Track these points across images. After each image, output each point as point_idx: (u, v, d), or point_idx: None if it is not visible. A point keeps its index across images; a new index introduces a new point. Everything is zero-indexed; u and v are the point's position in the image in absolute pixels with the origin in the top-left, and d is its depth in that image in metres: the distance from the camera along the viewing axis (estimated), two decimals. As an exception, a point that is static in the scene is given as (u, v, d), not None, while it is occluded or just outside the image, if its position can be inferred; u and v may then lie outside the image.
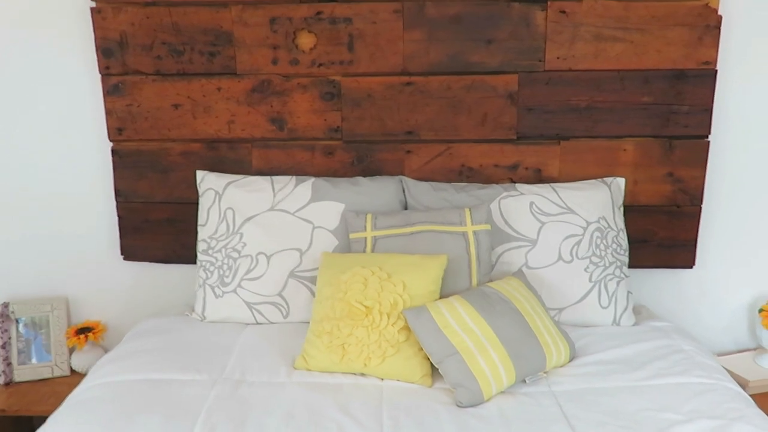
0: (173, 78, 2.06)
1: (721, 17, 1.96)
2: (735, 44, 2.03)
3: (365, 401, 1.56)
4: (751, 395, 2.04)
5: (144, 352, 1.79)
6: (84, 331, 2.21)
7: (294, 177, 2.05)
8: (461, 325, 1.62)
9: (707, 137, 2.06)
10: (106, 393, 1.60)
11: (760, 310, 2.14)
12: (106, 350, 2.17)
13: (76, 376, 2.19)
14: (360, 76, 2.04)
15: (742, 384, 2.07)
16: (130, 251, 2.21)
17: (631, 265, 2.11)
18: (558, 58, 2.01)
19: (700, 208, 2.12)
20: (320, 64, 2.03)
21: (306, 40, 2.02)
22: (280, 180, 2.03)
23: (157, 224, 2.17)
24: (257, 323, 1.97)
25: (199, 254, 2.04)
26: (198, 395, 1.58)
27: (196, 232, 2.07)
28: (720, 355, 2.23)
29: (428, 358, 1.65)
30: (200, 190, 2.07)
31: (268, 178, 2.04)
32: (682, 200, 2.11)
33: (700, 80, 2.01)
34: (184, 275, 2.21)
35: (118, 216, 2.18)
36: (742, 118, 2.10)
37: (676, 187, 2.10)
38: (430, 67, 2.03)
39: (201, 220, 2.05)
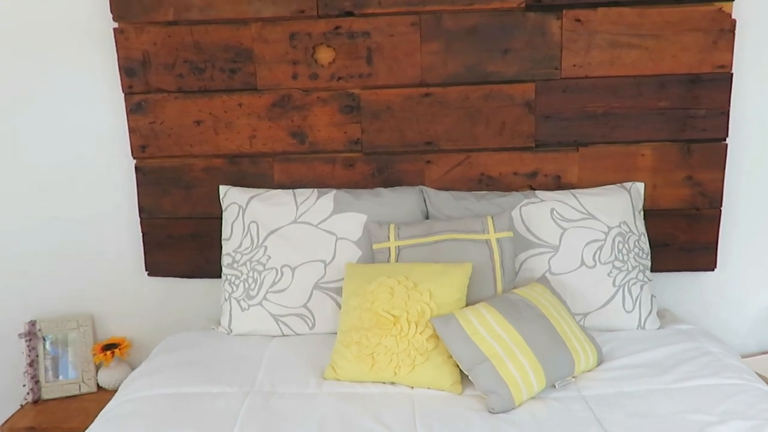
0: (195, 95, 2.09)
1: (735, 21, 1.99)
2: (750, 47, 2.05)
3: (397, 409, 1.57)
4: (777, 397, 2.04)
5: (173, 367, 1.80)
6: (110, 347, 2.23)
7: (316, 189, 2.07)
8: (489, 331, 1.63)
9: (725, 140, 2.08)
10: (139, 408, 1.61)
11: (784, 311, 2.14)
12: (132, 366, 2.19)
13: (103, 393, 2.21)
14: (379, 89, 2.07)
15: (769, 385, 2.06)
16: (154, 267, 2.23)
17: (653, 270, 2.12)
18: (574, 65, 2.04)
19: (720, 210, 2.13)
20: (339, 78, 2.06)
21: (325, 55, 2.05)
22: (302, 193, 2.06)
23: (181, 240, 2.19)
24: (283, 335, 1.98)
25: (224, 268, 2.06)
26: (230, 408, 1.59)
27: (220, 247, 2.09)
28: (744, 357, 2.22)
29: (457, 366, 1.66)
30: (223, 205, 2.10)
31: (291, 191, 2.07)
32: (701, 203, 2.12)
33: (716, 84, 2.03)
34: (208, 290, 2.23)
35: (142, 232, 2.20)
36: (759, 120, 2.12)
37: (695, 190, 2.11)
38: (447, 78, 2.06)
39: (225, 234, 2.07)
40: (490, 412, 1.55)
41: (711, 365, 1.72)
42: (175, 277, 2.24)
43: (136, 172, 2.16)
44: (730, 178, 2.14)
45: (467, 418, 1.52)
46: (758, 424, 1.44)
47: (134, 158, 2.16)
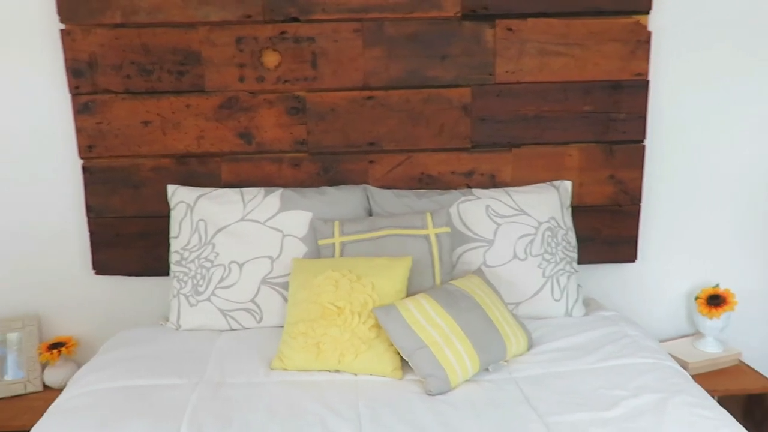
0: (143, 96, 2.13)
1: (650, 33, 2.17)
2: (664, 57, 2.24)
3: (342, 395, 1.67)
4: (691, 376, 2.24)
5: (122, 361, 1.84)
6: (56, 346, 2.24)
7: (263, 188, 2.14)
8: (428, 320, 1.75)
9: (643, 142, 2.26)
10: (89, 401, 1.65)
11: (696, 298, 2.34)
12: (79, 365, 2.20)
13: (49, 392, 2.22)
14: (324, 92, 2.16)
15: (683, 366, 2.25)
16: (102, 266, 2.26)
17: (579, 261, 2.27)
18: (507, 71, 2.18)
19: (640, 207, 2.31)
20: (285, 81, 2.14)
21: (271, 59, 2.13)
22: (249, 191, 2.13)
23: (129, 238, 2.23)
24: (232, 329, 2.05)
25: (172, 265, 2.11)
26: (181, 398, 1.65)
27: (169, 245, 2.14)
28: (662, 341, 2.42)
29: (398, 353, 1.76)
30: (172, 204, 2.14)
31: (238, 190, 2.13)
32: (623, 200, 2.30)
33: (635, 90, 2.21)
34: (157, 287, 2.27)
35: (90, 231, 2.22)
36: (673, 123, 2.31)
37: (617, 188, 2.29)
38: (389, 82, 2.17)
39: (173, 232, 2.12)
40: (429, 394, 1.67)
41: (629, 347, 1.88)
42: (123, 275, 2.27)
43: (84, 172, 2.19)
44: (648, 177, 2.32)
45: (407, 400, 1.63)
46: (666, 396, 1.60)
47: (81, 158, 2.18)
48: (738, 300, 2.39)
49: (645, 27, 2.16)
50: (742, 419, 2.39)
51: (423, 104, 2.19)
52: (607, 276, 2.41)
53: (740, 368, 2.33)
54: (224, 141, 2.18)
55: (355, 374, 1.78)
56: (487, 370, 1.78)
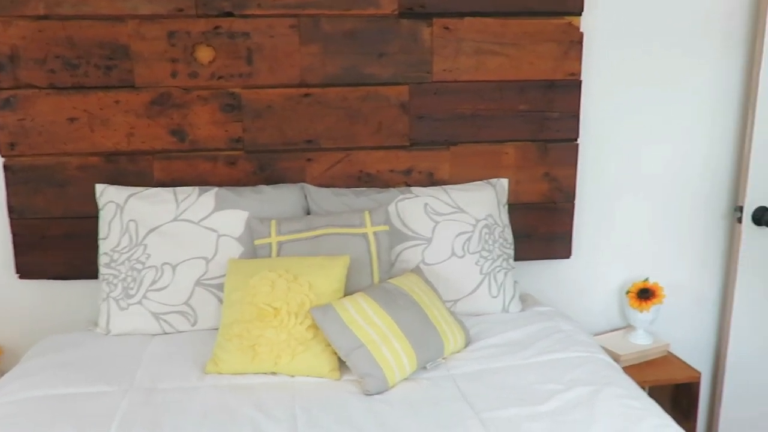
0: (68, 92, 2.04)
1: (582, 34, 2.22)
2: (595, 57, 2.30)
3: (278, 397, 1.64)
4: (623, 367, 2.30)
5: (48, 369, 1.76)
6: (-23, 354, 2.13)
7: (197, 187, 2.08)
8: (366, 319, 1.74)
9: (576, 140, 2.31)
10: (13, 411, 1.57)
11: (627, 292, 2.41)
12: (1, 374, 2.09)
13: (-31, 402, 2.10)
14: (259, 88, 2.12)
15: (615, 358, 2.32)
16: (26, 269, 2.15)
17: (516, 258, 2.31)
18: (444, 70, 2.19)
19: (574, 204, 2.37)
20: (220, 77, 2.09)
21: (205, 54, 2.07)
22: (183, 191, 2.07)
23: (55, 240, 2.13)
24: (165, 333, 1.99)
25: (101, 268, 2.03)
26: (109, 406, 1.59)
27: (97, 247, 2.06)
28: (596, 334, 2.49)
29: (335, 353, 1.75)
30: (100, 204, 2.06)
31: (171, 189, 2.07)
32: (557, 197, 2.35)
33: (568, 90, 2.25)
34: (85, 291, 2.18)
35: (12, 233, 2.12)
36: (604, 122, 2.37)
37: (552, 185, 2.33)
38: (326, 79, 2.15)
39: (102, 233, 2.04)
40: (366, 394, 1.66)
41: (563, 341, 1.92)
42: (49, 279, 2.17)
43: (5, 171, 2.08)
44: (581, 175, 2.38)
45: (344, 401, 1.62)
46: (597, 388, 1.64)
47: (2, 156, 2.07)
48: (666, 293, 2.49)
49: (577, 28, 2.21)
50: (670, 408, 2.48)
51: (361, 102, 2.17)
52: (543, 272, 2.46)
53: (668, 359, 2.41)
54: (156, 138, 2.11)
55: (292, 376, 1.76)
56: (425, 368, 1.78)
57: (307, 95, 2.15)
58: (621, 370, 1.80)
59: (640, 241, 2.51)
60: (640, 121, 2.40)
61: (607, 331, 2.54)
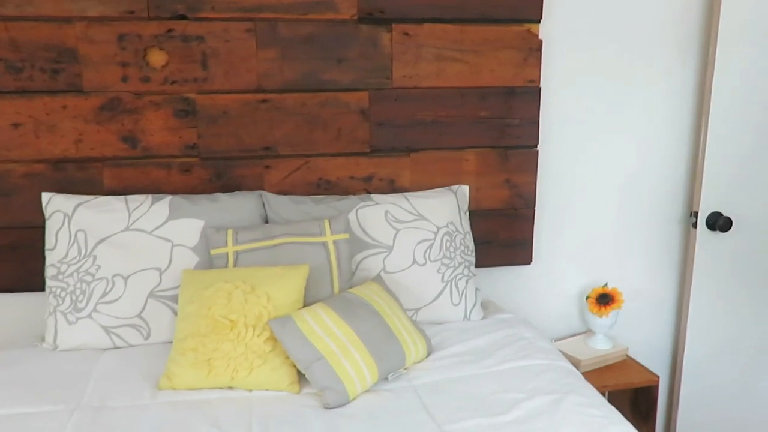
0: (12, 96, 1.95)
1: (541, 41, 2.23)
2: (554, 64, 2.31)
3: (234, 413, 1.58)
4: (583, 372, 2.32)
5: (-11, 388, 1.67)
6: None
7: (150, 195, 2.01)
8: (325, 330, 1.70)
9: (536, 147, 2.32)
10: (-52, 435, 1.48)
11: (587, 297, 2.43)
12: (-60, 392, 1.98)
13: None
14: (215, 94, 2.07)
15: (576, 363, 2.33)
16: (-34, 282, 2.04)
17: (477, 265, 2.31)
18: (404, 76, 2.17)
19: (534, 210, 2.37)
20: (173, 82, 2.03)
21: (157, 58, 2.01)
22: (135, 199, 1.99)
23: (-2, 251, 2.03)
24: (116, 347, 1.91)
25: (48, 280, 1.94)
26: (55, 426, 1.51)
27: (44, 258, 1.97)
28: (557, 340, 2.50)
29: (294, 366, 1.70)
30: (47, 213, 1.97)
31: (123, 197, 1.99)
32: (518, 204, 2.35)
33: (528, 96, 2.26)
34: (31, 304, 2.08)
35: (-48, 244, 2.01)
36: (562, 129, 2.39)
37: (512, 192, 2.33)
38: (284, 85, 2.10)
39: (49, 244, 1.95)
40: (326, 408, 1.62)
41: (524, 349, 1.92)
42: (-9, 292, 2.07)
43: (-57, 179, 1.97)
44: (541, 181, 2.39)
45: (303, 415, 1.58)
46: (559, 396, 1.64)
47: (-60, 163, 1.97)
48: (625, 298, 2.51)
49: (536, 35, 2.22)
50: (630, 411, 2.51)
51: (320, 108, 2.14)
52: (505, 278, 2.45)
53: (628, 363, 2.44)
54: (106, 145, 2.03)
55: (250, 390, 1.70)
56: (386, 379, 1.75)
57: (264, 101, 2.10)
58: (582, 377, 1.80)
59: (600, 246, 2.53)
60: (598, 128, 2.42)
61: (567, 337, 2.55)
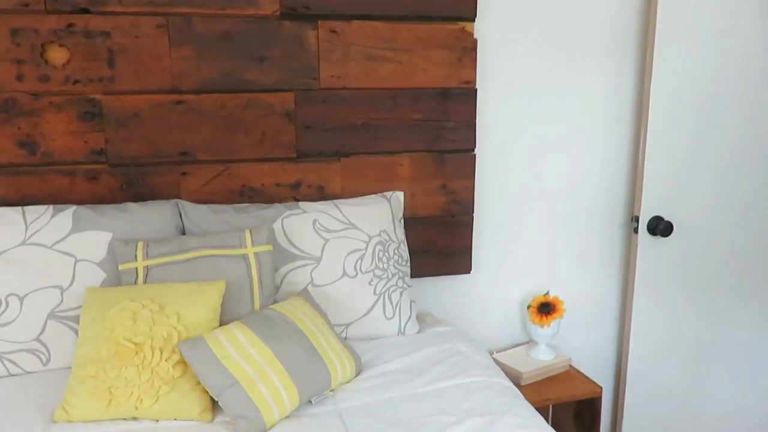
0: None
1: (476, 40, 2.13)
2: (489, 64, 2.22)
3: (135, 449, 1.42)
4: (525, 385, 2.23)
5: None
6: None
7: (51, 206, 1.83)
8: (241, 352, 1.55)
9: (473, 151, 2.22)
10: None
11: (528, 307, 2.34)
12: None
13: None
14: (123, 94, 1.90)
15: (517, 376, 2.24)
16: None
17: (414, 275, 2.20)
18: (332, 76, 2.04)
19: (473, 217, 2.27)
20: (76, 81, 1.85)
21: (57, 55, 1.83)
22: (33, 210, 1.80)
23: None
24: (10, 375, 1.72)
25: (-68, 302, 1.73)
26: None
27: (-71, 277, 1.76)
28: (499, 351, 2.40)
29: (207, 392, 1.55)
30: (-69, 227, 1.77)
31: (19, 208, 1.80)
32: (456, 210, 2.24)
33: (463, 98, 2.16)
34: None
35: None
36: (501, 132, 2.30)
37: (449, 198, 2.23)
38: (201, 85, 1.95)
39: (-66, 261, 1.75)
40: (240, 438, 1.47)
41: (459, 365, 1.81)
42: None
43: None
44: (479, 186, 2.29)
45: (212, 449, 1.43)
46: (493, 418, 1.53)
47: None
48: (567, 305, 2.44)
49: (471, 34, 2.12)
50: (573, 422, 2.43)
51: (241, 110, 1.99)
52: (444, 288, 2.35)
53: (571, 373, 2.36)
54: (0, 151, 1.84)
55: (157, 421, 1.54)
56: (310, 402, 1.62)
57: (179, 102, 1.94)
58: (518, 395, 1.70)
59: (541, 252, 2.45)
60: (537, 131, 2.34)
61: (509, 347, 2.46)
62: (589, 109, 2.38)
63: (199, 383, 1.55)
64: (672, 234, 2.38)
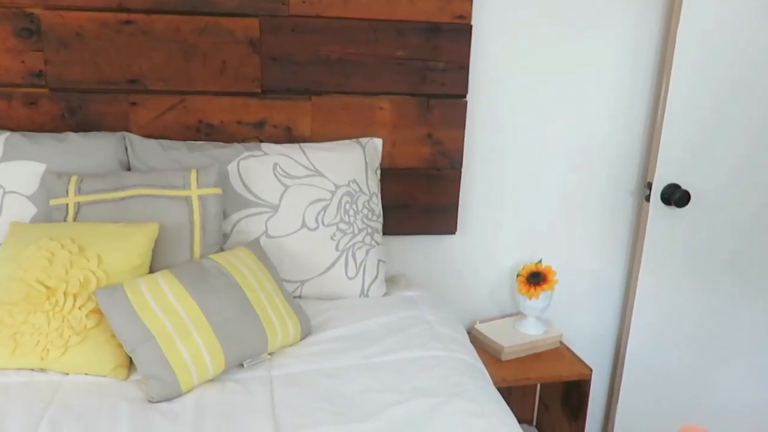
0: None
1: (473, -32, 1.85)
2: (490, -1, 1.94)
3: (29, 404, 1.26)
4: (505, 360, 2.02)
5: None
6: None
7: (-18, 131, 1.66)
8: (162, 305, 1.37)
9: (465, 97, 1.96)
10: None
11: (517, 276, 2.11)
12: None
13: None
14: (65, 10, 1.69)
15: (498, 350, 2.03)
16: None
17: (391, 232, 1.99)
18: (303, 2, 1.80)
19: (461, 171, 2.03)
20: (11, -8, 1.66)
21: (-12, -39, 1.63)
22: (-39, 134, 1.64)
23: None
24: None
25: None
26: None
27: None
28: (484, 321, 2.19)
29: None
30: None
31: (-54, 132, 1.64)
32: (441, 163, 2.00)
33: (455, 35, 1.89)
34: None
35: None
36: (500, 78, 2.03)
37: (435, 149, 1.99)
38: (153, 4, 1.73)
39: None
40: (150, 401, 1.30)
41: (421, 335, 1.60)
42: None
43: None
44: (470, 138, 2.04)
45: (114, 410, 1.26)
46: (441, 401, 1.32)
47: None
48: (562, 278, 2.21)
49: (469, -40, 1.85)
50: (560, 404, 2.22)
51: (198, 36, 1.77)
52: (425, 249, 2.12)
53: (560, 351, 2.13)
54: (-72, 67, 1.67)
55: (66, 374, 1.39)
56: (242, 366, 1.44)
57: (127, 23, 1.72)
58: (481, 375, 1.48)
59: (537, 217, 2.19)
60: (540, 79, 2.06)
61: (497, 318, 2.24)
62: (604, 56, 2.08)
63: (114, 336, 1.39)
64: (688, 204, 2.11)
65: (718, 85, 2.03)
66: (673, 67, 1.99)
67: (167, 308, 1.37)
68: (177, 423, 1.23)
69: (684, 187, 2.11)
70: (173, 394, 1.32)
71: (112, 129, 1.79)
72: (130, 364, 1.41)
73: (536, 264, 2.10)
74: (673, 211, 2.14)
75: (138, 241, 1.48)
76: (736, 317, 2.30)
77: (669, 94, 2.01)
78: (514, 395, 2.35)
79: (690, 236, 2.17)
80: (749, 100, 2.07)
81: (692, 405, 2.39)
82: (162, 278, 1.42)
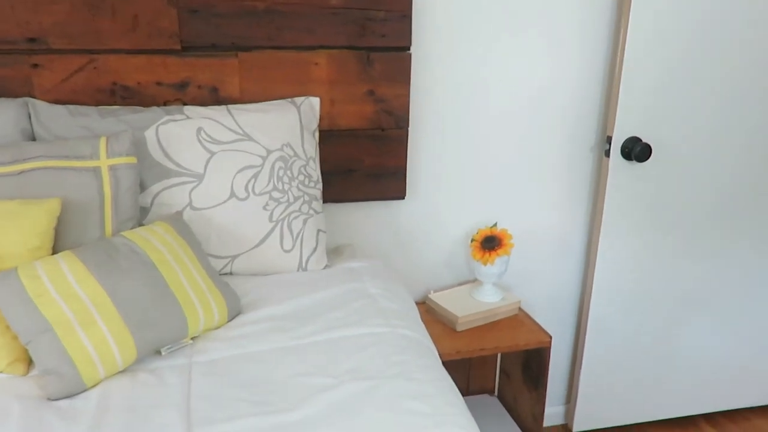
0: None
1: None
2: (432, -61, 1.77)
3: None
4: (463, 331, 1.91)
5: None
6: None
7: None
8: (62, 291, 1.22)
9: (409, 49, 1.80)
10: None
11: (471, 241, 1.98)
12: None
13: None
14: (-55, -42, 1.49)
15: (452, 320, 1.92)
16: None
17: (334, 199, 1.85)
18: (222, -55, 1.61)
19: (407, 131, 1.88)
20: None
21: None
22: None
23: None
24: None
25: None
26: None
27: None
28: (439, 290, 2.07)
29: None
30: None
31: None
32: (386, 123, 1.85)
33: (395, -20, 1.73)
34: None
35: None
36: (447, 28, 1.87)
37: (378, 107, 1.83)
38: (49, -50, 1.53)
39: None
40: (49, 399, 1.16)
41: (362, 311, 1.47)
42: None
43: None
44: (416, 95, 1.89)
45: (3, 411, 1.12)
46: (377, 384, 1.20)
47: None
48: (520, 241, 2.09)
49: None
50: (521, 373, 2.13)
51: (103, -15, 1.58)
52: (373, 217, 1.99)
53: (519, 319, 2.03)
54: None
55: (-44, 371, 1.24)
56: (160, 353, 1.30)
57: (20, -28, 1.53)
58: (427, 353, 1.36)
59: (492, 177, 2.06)
60: (492, 28, 1.91)
61: (452, 287, 2.13)
62: (561, 11, 1.93)
63: (9, 327, 1.23)
64: (650, 159, 1.99)
65: (679, 32, 1.90)
66: (631, 11, 1.84)
67: (68, 294, 1.22)
68: (74, 422, 1.10)
69: (645, 140, 1.99)
70: (75, 390, 1.18)
71: (13, 95, 1.60)
72: (30, 358, 1.27)
73: (491, 228, 1.98)
74: (634, 165, 2.03)
75: (36, 220, 1.32)
76: (700, 275, 2.21)
77: (627, 42, 1.87)
78: (474, 365, 2.26)
79: (653, 192, 2.07)
80: (713, 46, 1.95)
81: (658, 367, 2.32)
82: (63, 260, 1.27)
